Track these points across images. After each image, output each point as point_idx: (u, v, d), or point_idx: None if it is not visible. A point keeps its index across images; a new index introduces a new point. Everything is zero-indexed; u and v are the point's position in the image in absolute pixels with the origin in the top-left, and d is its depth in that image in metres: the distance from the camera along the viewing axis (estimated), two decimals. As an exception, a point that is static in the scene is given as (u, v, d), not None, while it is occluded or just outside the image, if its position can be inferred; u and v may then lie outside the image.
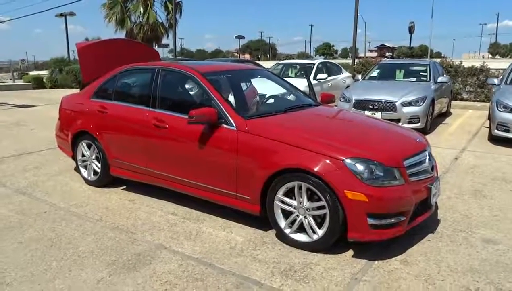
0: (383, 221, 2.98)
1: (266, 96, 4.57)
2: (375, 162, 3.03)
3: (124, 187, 4.79)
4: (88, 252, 3.26)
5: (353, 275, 2.89)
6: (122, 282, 2.82)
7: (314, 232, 3.17)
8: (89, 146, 4.81)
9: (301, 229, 3.26)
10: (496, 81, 8.20)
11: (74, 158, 5.06)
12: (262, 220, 3.55)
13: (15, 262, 3.10)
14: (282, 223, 3.32)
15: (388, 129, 3.95)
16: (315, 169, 3.03)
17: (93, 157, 4.79)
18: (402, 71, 9.43)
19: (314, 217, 3.17)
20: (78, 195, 4.59)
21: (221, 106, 3.65)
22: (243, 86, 4.75)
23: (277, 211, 3.32)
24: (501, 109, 6.93)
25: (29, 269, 2.99)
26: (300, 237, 3.25)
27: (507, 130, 6.82)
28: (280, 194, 3.27)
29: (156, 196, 4.42)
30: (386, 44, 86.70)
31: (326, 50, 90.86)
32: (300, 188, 3.17)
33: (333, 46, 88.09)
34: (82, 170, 4.97)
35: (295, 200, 3.22)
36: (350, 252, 3.20)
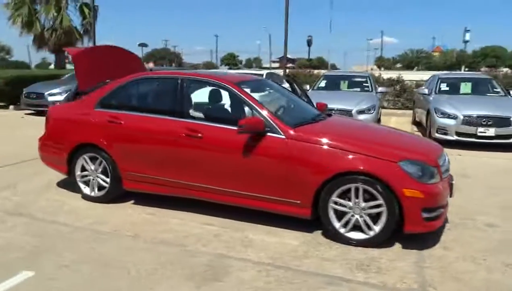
0: (432, 214, 3.42)
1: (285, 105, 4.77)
2: (422, 162, 3.46)
3: (133, 201, 4.55)
4: (151, 269, 3.12)
5: (415, 263, 3.26)
6: (218, 293, 2.80)
7: (370, 229, 3.47)
8: (93, 159, 4.48)
9: (354, 227, 3.54)
10: (426, 91, 9.46)
11: (69, 173, 4.64)
12: (303, 223, 3.76)
13: (77, 287, 2.85)
14: (337, 223, 3.56)
15: (409, 135, 4.49)
16: (374, 172, 3.35)
17: (99, 171, 4.47)
18: (346, 82, 10.32)
19: (369, 215, 3.48)
20: (89, 213, 4.25)
21: (265, 115, 3.77)
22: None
23: (331, 213, 3.56)
24: (439, 116, 8.07)
25: (105, 292, 2.78)
26: (356, 235, 3.53)
27: (446, 133, 7.96)
28: (334, 196, 3.51)
29: (173, 208, 4.30)
30: (288, 56, 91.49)
31: (231, 60, 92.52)
32: (356, 189, 3.45)
33: (238, 56, 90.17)
34: (82, 185, 4.59)
35: (349, 201, 3.50)
36: (398, 245, 3.56)
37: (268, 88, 5.04)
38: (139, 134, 4.22)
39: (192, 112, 4.07)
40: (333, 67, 61.33)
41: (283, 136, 3.67)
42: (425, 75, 15.18)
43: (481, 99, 8.66)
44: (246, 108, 3.93)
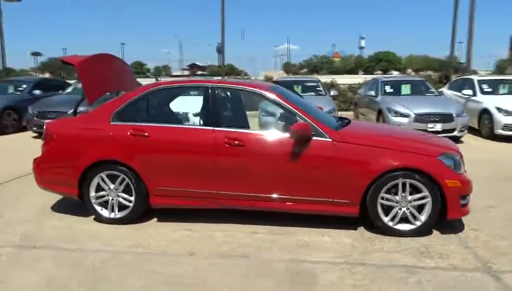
0: (466, 200, 3.84)
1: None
2: (454, 155, 3.88)
3: (156, 219, 4.29)
4: (239, 283, 3.03)
5: (463, 245, 3.64)
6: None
7: (416, 219, 3.78)
8: (111, 177, 4.13)
9: (400, 219, 3.82)
10: (373, 93, 10.31)
11: (80, 196, 4.22)
12: (338, 220, 3.94)
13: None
14: (384, 217, 3.81)
15: (426, 133, 4.91)
16: (420, 167, 3.68)
17: (120, 189, 4.14)
18: (300, 86, 10.74)
19: (414, 207, 3.78)
20: (117, 236, 3.91)
21: (309, 120, 3.87)
22: None
23: (379, 208, 3.80)
24: (393, 115, 8.89)
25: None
26: (404, 226, 3.81)
27: None
28: (382, 192, 3.76)
29: (204, 221, 4.15)
30: (197, 63, 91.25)
31: (138, 68, 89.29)
32: (403, 184, 3.74)
33: (145, 64, 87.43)
34: (98, 208, 4.20)
35: (395, 195, 3.77)
36: (436, 232, 3.90)
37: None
38: (170, 146, 4.01)
39: (228, 120, 4.00)
40: (245, 74, 62.79)
41: (330, 139, 3.82)
42: (356, 79, 16.52)
43: (423, 98, 9.74)
44: (286, 114, 3.99)
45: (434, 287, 2.93)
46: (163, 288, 2.96)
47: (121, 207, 4.18)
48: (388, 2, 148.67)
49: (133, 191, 4.10)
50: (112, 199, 4.17)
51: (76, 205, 4.44)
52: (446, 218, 3.78)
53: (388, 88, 10.28)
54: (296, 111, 3.95)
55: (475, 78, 10.55)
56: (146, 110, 4.22)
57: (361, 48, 76.21)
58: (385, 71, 64.93)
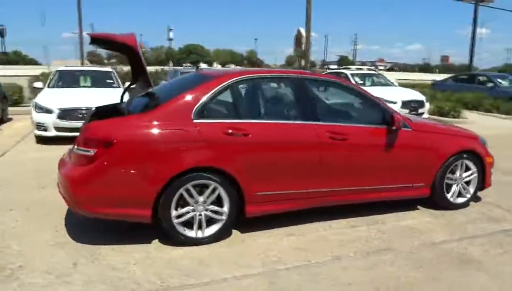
0: (492, 174, 4.73)
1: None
2: (483, 137, 4.72)
3: (239, 233, 3.68)
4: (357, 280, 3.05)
5: (504, 209, 4.50)
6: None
7: (468, 193, 4.47)
8: (198, 188, 3.35)
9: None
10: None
11: (155, 218, 3.27)
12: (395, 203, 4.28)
13: None
14: (447, 194, 4.36)
15: None
16: (473, 148, 4.38)
17: (209, 201, 3.40)
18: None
19: (465, 182, 4.46)
20: (236, 255, 3.26)
21: (391, 113, 4.05)
22: None
23: (444, 187, 4.33)
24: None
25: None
26: (460, 200, 4.45)
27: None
28: (448, 172, 4.30)
29: (288, 223, 3.86)
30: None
31: None
32: (461, 164, 4.36)
33: None
34: (181, 229, 3.35)
35: (454, 174, 4.37)
36: (476, 203, 4.67)
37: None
38: (273, 144, 3.53)
39: (327, 114, 3.80)
40: (35, 62, 54.30)
41: (410, 129, 4.10)
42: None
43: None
44: (372, 106, 4.04)
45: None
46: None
47: (210, 221, 3.45)
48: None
49: (226, 201, 3.44)
50: (200, 214, 3.39)
51: (102, 228, 3.45)
52: (483, 188, 4.60)
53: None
54: (383, 104, 4.07)
55: (348, 72, 12.38)
56: (234, 104, 3.55)
57: (170, 40, 76.23)
58: (195, 63, 67.31)
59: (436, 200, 4.35)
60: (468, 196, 4.50)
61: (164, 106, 3.35)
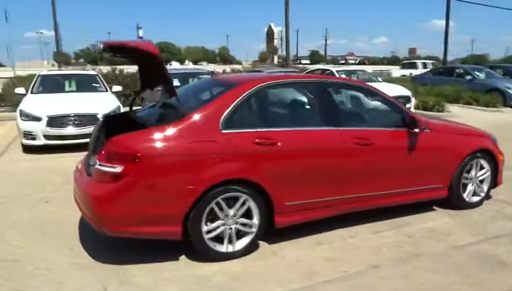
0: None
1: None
2: (494, 136, 4.78)
3: (267, 245, 3.57)
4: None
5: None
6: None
7: (482, 191, 4.52)
8: (229, 201, 3.22)
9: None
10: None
11: (184, 234, 3.12)
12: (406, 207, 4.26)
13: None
14: (463, 194, 4.39)
15: None
16: (488, 147, 4.42)
17: (239, 214, 3.27)
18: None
19: (479, 181, 4.51)
20: (244, 275, 3.15)
21: (411, 115, 4.03)
22: None
23: (461, 187, 4.36)
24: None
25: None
26: (474, 199, 4.48)
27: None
28: (464, 172, 4.33)
29: (314, 232, 3.79)
30: None
31: None
32: (476, 163, 4.40)
33: None
34: (211, 244, 3.21)
35: (469, 173, 4.41)
36: (488, 201, 4.72)
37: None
38: (302, 152, 3.43)
39: (351, 119, 3.73)
40: (-1, 65, 51.88)
41: (429, 130, 4.09)
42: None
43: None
44: (393, 108, 4.00)
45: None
46: None
47: (240, 234, 3.33)
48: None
49: (256, 212, 3.32)
50: (230, 228, 3.26)
51: (124, 245, 3.25)
52: (496, 186, 4.66)
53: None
54: (402, 107, 4.04)
55: (334, 69, 12.41)
56: (260, 112, 3.42)
57: (140, 38, 74.58)
58: (167, 62, 66.17)
59: (453, 201, 4.37)
60: (482, 194, 4.55)
61: (191, 117, 3.19)
